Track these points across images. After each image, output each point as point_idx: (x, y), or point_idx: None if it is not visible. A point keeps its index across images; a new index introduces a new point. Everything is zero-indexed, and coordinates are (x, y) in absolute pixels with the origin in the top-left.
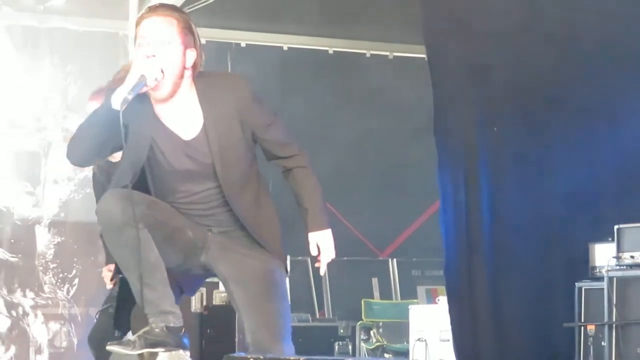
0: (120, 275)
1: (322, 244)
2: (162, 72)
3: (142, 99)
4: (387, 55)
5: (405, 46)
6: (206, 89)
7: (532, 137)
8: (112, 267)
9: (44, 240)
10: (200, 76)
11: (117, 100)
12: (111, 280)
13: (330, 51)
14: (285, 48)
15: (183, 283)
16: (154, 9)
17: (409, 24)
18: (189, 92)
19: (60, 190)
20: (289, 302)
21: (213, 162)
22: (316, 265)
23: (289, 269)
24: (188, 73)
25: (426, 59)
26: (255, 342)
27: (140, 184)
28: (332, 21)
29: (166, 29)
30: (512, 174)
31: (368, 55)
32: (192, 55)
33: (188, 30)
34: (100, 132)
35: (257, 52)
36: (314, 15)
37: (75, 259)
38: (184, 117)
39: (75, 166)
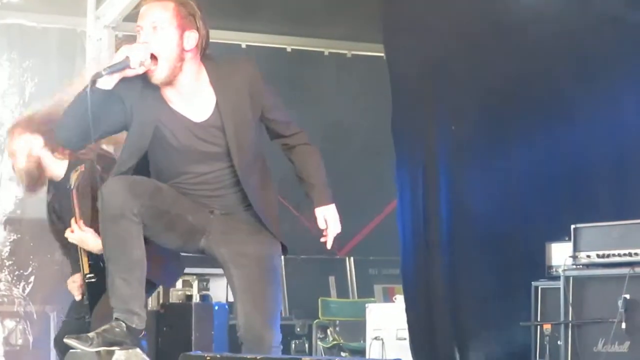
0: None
1: (330, 218)
2: (155, 57)
3: (147, 85)
4: (346, 54)
5: (363, 45)
6: (217, 69)
7: (491, 136)
8: (77, 278)
9: (0, 238)
10: (208, 58)
11: (96, 77)
12: (79, 291)
13: (289, 49)
14: (243, 46)
15: (158, 277)
16: None
17: (368, 22)
18: (197, 74)
19: (17, 187)
20: (280, 288)
21: (227, 143)
22: (322, 239)
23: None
24: (190, 55)
25: (385, 58)
26: (246, 326)
27: (141, 168)
28: (291, 19)
29: (160, 14)
30: (471, 173)
31: (326, 53)
32: (191, 37)
33: (187, 13)
34: (82, 113)
35: (215, 50)
36: (272, 13)
37: (32, 257)
38: (193, 99)
39: (67, 149)
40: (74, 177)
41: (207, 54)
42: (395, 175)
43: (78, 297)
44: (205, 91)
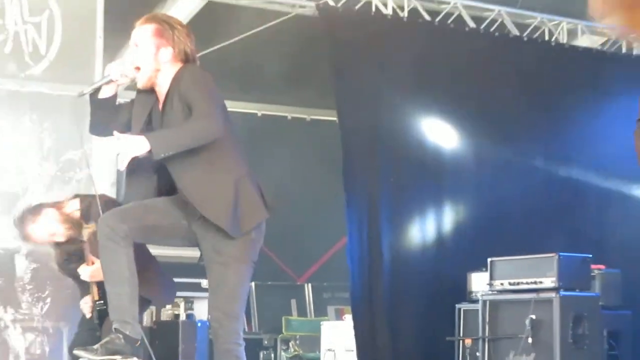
0: (98, 308)
1: (127, 139)
2: (138, 68)
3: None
4: (305, 118)
5: (320, 110)
6: (175, 75)
7: (423, 187)
8: (88, 299)
9: (22, 267)
10: (188, 65)
11: (80, 95)
12: (90, 312)
13: (259, 114)
14: None
15: (155, 298)
16: (139, 21)
17: (323, 92)
18: (170, 77)
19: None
20: (248, 283)
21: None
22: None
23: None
24: (167, 66)
25: (337, 121)
26: (212, 318)
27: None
28: (257, 88)
29: (140, 35)
30: (406, 216)
31: (289, 117)
32: (165, 52)
33: (163, 30)
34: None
35: None
36: (244, 83)
37: (48, 282)
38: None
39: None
40: (85, 232)
41: (195, 62)
42: (345, 215)
43: (88, 315)
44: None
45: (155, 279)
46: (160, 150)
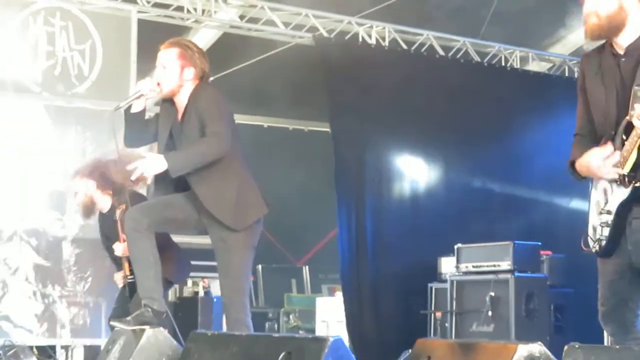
0: (129, 281)
1: (148, 160)
2: (159, 84)
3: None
4: (304, 129)
5: (316, 123)
6: (193, 92)
7: (401, 188)
8: (120, 274)
9: (68, 252)
10: (205, 84)
11: (116, 109)
12: (122, 282)
13: (265, 125)
14: None
15: (174, 276)
16: (163, 45)
17: (319, 107)
18: (189, 93)
19: (80, 217)
20: (250, 264)
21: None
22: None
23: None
24: (189, 84)
25: (330, 132)
26: (223, 295)
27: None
28: (264, 104)
29: (167, 57)
30: (387, 211)
31: (290, 128)
32: (189, 71)
33: (187, 54)
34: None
35: None
36: (253, 100)
37: (89, 264)
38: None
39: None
40: (118, 211)
41: (208, 80)
42: (337, 210)
43: (120, 285)
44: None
45: (172, 260)
46: (175, 169)
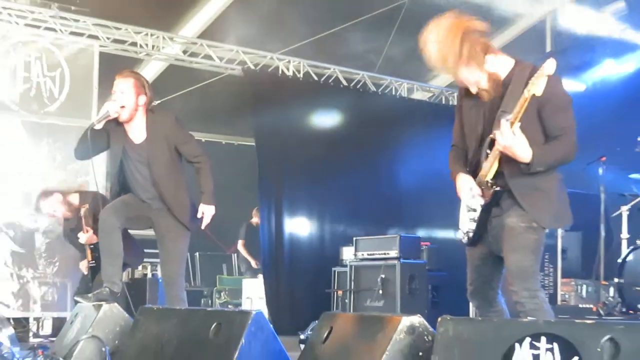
0: (91, 266)
1: (206, 211)
2: (122, 107)
3: (117, 123)
4: (234, 143)
5: (244, 138)
6: (151, 118)
7: (312, 192)
8: (85, 262)
9: (40, 241)
10: (150, 110)
11: (92, 125)
12: (86, 270)
13: (203, 140)
14: None
15: (130, 261)
16: (120, 74)
17: (247, 126)
18: (142, 118)
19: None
20: (187, 250)
21: (147, 159)
22: (202, 227)
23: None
24: (141, 108)
25: (255, 146)
26: (165, 275)
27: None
28: (203, 122)
29: (125, 84)
30: (300, 211)
31: (224, 142)
32: (142, 98)
33: (140, 84)
34: (86, 143)
35: None
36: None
37: (57, 252)
38: (137, 131)
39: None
40: (82, 210)
41: (151, 108)
42: (259, 209)
43: (85, 272)
44: (143, 127)
45: (130, 248)
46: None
